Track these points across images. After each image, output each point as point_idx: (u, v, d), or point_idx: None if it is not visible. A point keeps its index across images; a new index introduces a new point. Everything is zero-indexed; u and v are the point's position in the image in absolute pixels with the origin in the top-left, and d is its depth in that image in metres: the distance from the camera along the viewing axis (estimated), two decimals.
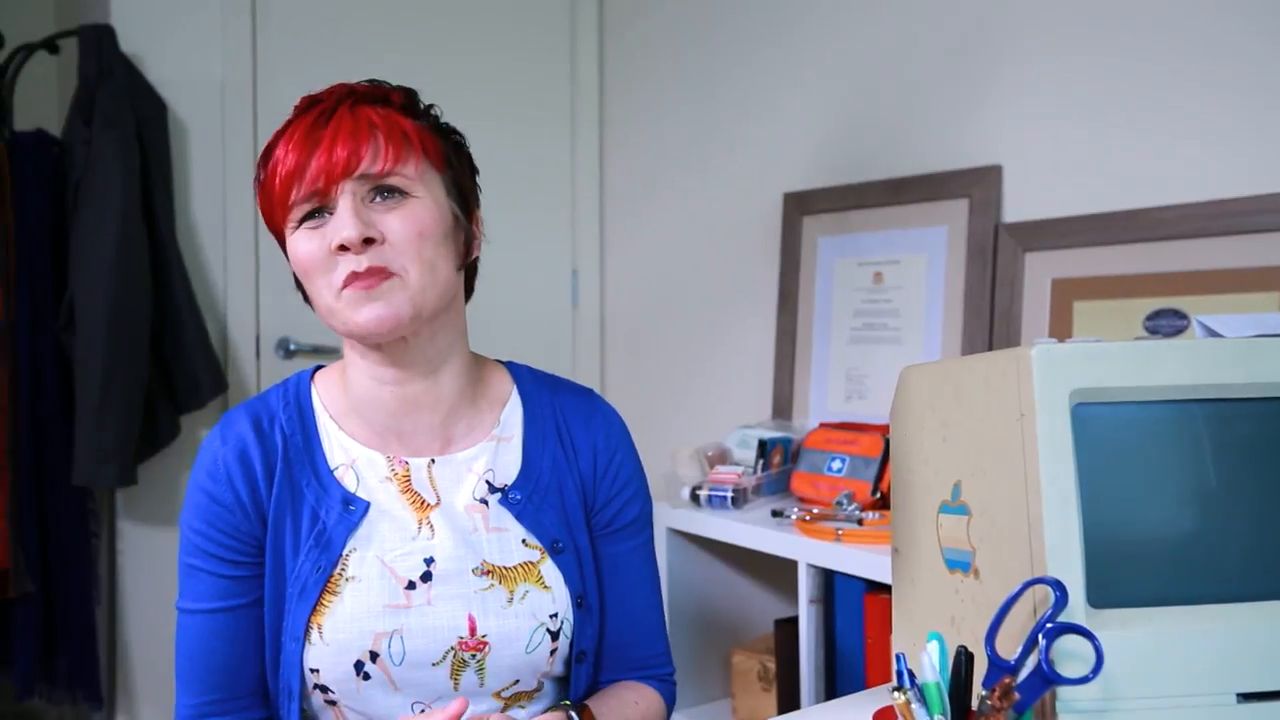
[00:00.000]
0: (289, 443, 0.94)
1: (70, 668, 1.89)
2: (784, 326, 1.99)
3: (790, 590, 1.60)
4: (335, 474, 0.94)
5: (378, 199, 0.88)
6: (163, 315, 1.93)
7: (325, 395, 0.98)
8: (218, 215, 2.10)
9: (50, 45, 1.96)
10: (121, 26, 1.94)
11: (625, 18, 2.45)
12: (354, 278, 0.87)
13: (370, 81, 0.94)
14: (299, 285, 0.95)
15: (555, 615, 0.95)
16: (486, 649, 0.92)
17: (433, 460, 0.96)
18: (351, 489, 0.94)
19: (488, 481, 0.97)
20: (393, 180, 0.88)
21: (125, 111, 1.89)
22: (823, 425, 1.76)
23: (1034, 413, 0.74)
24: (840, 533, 1.47)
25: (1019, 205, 1.66)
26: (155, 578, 1.98)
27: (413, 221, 0.88)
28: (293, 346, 2.15)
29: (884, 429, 1.66)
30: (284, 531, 0.92)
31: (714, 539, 1.67)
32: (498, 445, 0.98)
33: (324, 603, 0.90)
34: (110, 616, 2.02)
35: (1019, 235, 1.63)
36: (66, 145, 1.93)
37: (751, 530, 1.59)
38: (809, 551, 1.49)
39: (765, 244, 2.07)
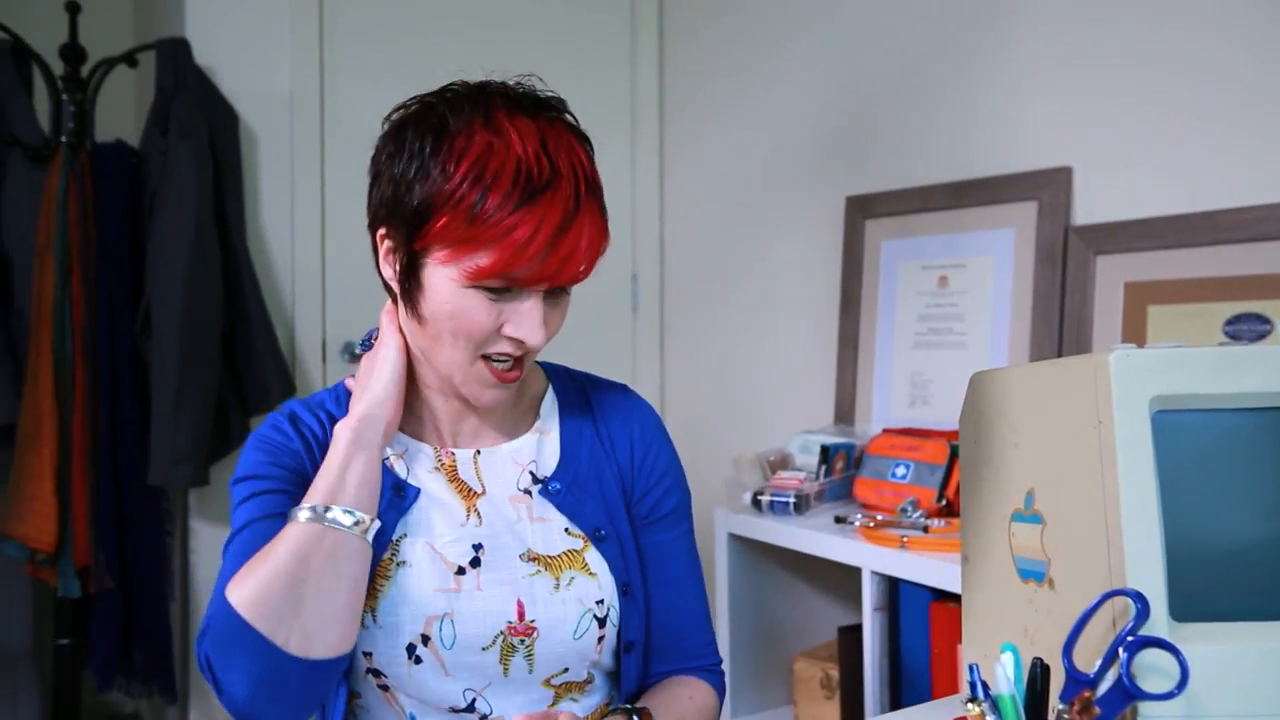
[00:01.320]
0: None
1: (146, 662, 1.94)
2: (846, 331, 1.97)
3: (853, 597, 1.59)
4: (387, 462, 0.96)
5: (562, 291, 0.91)
6: (234, 320, 1.97)
7: None
8: (286, 222, 2.14)
9: (130, 59, 2.02)
10: (196, 40, 2.00)
11: (686, 26, 2.45)
12: (503, 368, 0.90)
13: (551, 116, 0.89)
14: (402, 291, 0.91)
15: (601, 601, 0.95)
16: (535, 634, 0.93)
17: (478, 452, 0.99)
18: (402, 476, 0.96)
19: (531, 473, 0.99)
20: None
21: (199, 122, 1.95)
22: (886, 431, 1.74)
23: (1113, 420, 0.73)
24: (905, 540, 1.45)
25: (1090, 207, 1.63)
26: None
27: (563, 317, 0.93)
28: (358, 350, 2.19)
29: (949, 435, 1.64)
30: None
31: (776, 545, 1.66)
32: (540, 438, 1.01)
33: (376, 586, 0.92)
34: (183, 613, 2.07)
35: (1090, 238, 1.60)
36: (144, 155, 1.99)
37: (814, 536, 1.57)
38: (873, 558, 1.48)
39: (827, 248, 2.05)
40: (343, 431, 0.89)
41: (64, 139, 1.91)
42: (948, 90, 1.84)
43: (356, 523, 0.86)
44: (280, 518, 0.88)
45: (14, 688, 1.96)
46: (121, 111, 2.32)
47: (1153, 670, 0.67)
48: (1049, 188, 1.65)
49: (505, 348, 0.89)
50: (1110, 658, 0.67)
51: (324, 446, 0.94)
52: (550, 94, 0.92)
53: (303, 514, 0.85)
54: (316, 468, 0.93)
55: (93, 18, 2.06)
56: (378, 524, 0.88)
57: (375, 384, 0.92)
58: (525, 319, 0.87)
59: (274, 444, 0.94)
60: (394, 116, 0.92)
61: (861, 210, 1.96)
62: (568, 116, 0.92)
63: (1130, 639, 0.66)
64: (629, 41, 2.48)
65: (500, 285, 0.86)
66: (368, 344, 0.98)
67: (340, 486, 0.87)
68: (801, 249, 2.12)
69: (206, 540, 2.06)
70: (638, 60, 2.49)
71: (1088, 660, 0.69)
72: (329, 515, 0.85)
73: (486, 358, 0.90)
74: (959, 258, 1.80)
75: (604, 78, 2.45)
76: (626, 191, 2.47)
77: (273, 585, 0.82)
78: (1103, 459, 0.73)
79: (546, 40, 2.38)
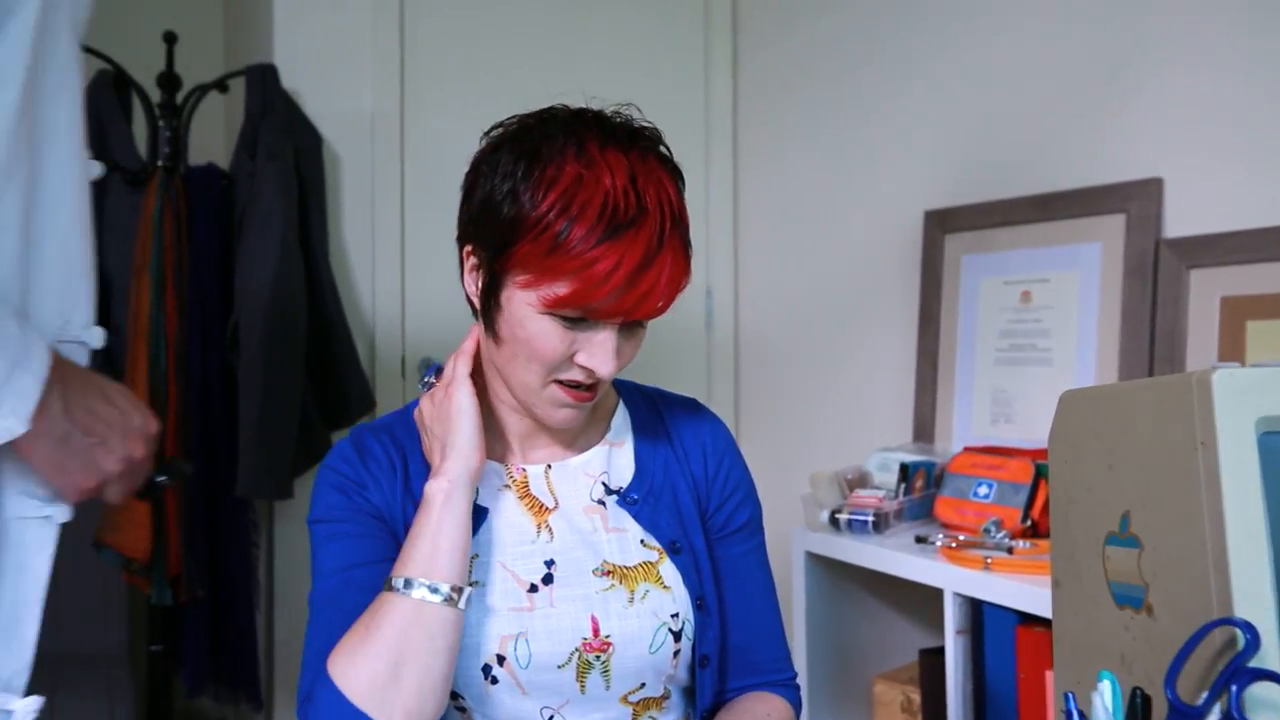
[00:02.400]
0: (409, 456, 0.98)
1: (233, 670, 2.00)
2: (925, 347, 1.94)
3: (935, 619, 1.55)
4: None
5: (638, 325, 0.92)
6: (317, 336, 2.02)
7: None
8: (367, 241, 2.19)
9: (221, 85, 2.09)
10: (283, 65, 2.06)
11: (760, 38, 2.45)
12: (575, 390, 0.91)
13: (644, 148, 0.90)
14: (482, 308, 0.93)
15: (676, 615, 0.95)
16: (610, 650, 0.93)
17: (549, 466, 0.99)
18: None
19: (604, 484, 0.99)
20: None
21: (285, 144, 2.01)
22: (968, 449, 1.71)
23: (1216, 442, 0.70)
24: (989, 561, 1.42)
25: (1182, 219, 1.57)
26: (307, 585, 2.08)
27: (637, 348, 0.93)
28: (420, 386, 2.22)
29: (1033, 453, 1.60)
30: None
31: (854, 564, 1.64)
32: (610, 450, 1.01)
33: None
34: (268, 623, 2.12)
35: (1182, 251, 1.55)
36: (233, 177, 2.06)
37: (894, 556, 1.55)
38: (956, 580, 1.44)
39: (905, 263, 2.02)
40: (435, 495, 0.90)
41: (160, 163, 1.99)
42: (1031, 101, 1.80)
43: (452, 592, 0.87)
44: (362, 568, 0.91)
45: (109, 690, 2.03)
46: (213, 135, 2.41)
47: (1264, 704, 0.64)
48: (1138, 200, 1.60)
49: (576, 375, 0.90)
50: (1218, 690, 0.64)
51: (389, 475, 0.96)
52: (646, 124, 0.93)
53: (401, 588, 0.86)
54: (385, 499, 0.95)
55: (187, 46, 2.14)
56: (470, 590, 0.89)
57: (460, 439, 0.91)
58: (598, 349, 0.88)
59: (344, 481, 0.96)
60: (493, 134, 0.93)
61: (940, 225, 1.93)
62: (661, 149, 0.92)
63: (1240, 671, 0.63)
64: (703, 54, 2.49)
65: (576, 315, 0.87)
66: (429, 381, 0.98)
67: (434, 555, 0.87)
68: (879, 264, 2.09)
69: (290, 552, 2.11)
70: (712, 72, 2.49)
71: (1191, 691, 0.66)
72: (427, 591, 0.86)
73: (559, 381, 0.91)
74: (1043, 272, 1.75)
75: (678, 91, 2.46)
76: (700, 206, 2.47)
77: (376, 666, 0.84)
78: (1205, 482, 0.71)
79: (620, 57, 2.39)
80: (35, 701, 0.88)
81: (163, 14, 2.30)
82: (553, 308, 0.86)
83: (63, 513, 0.88)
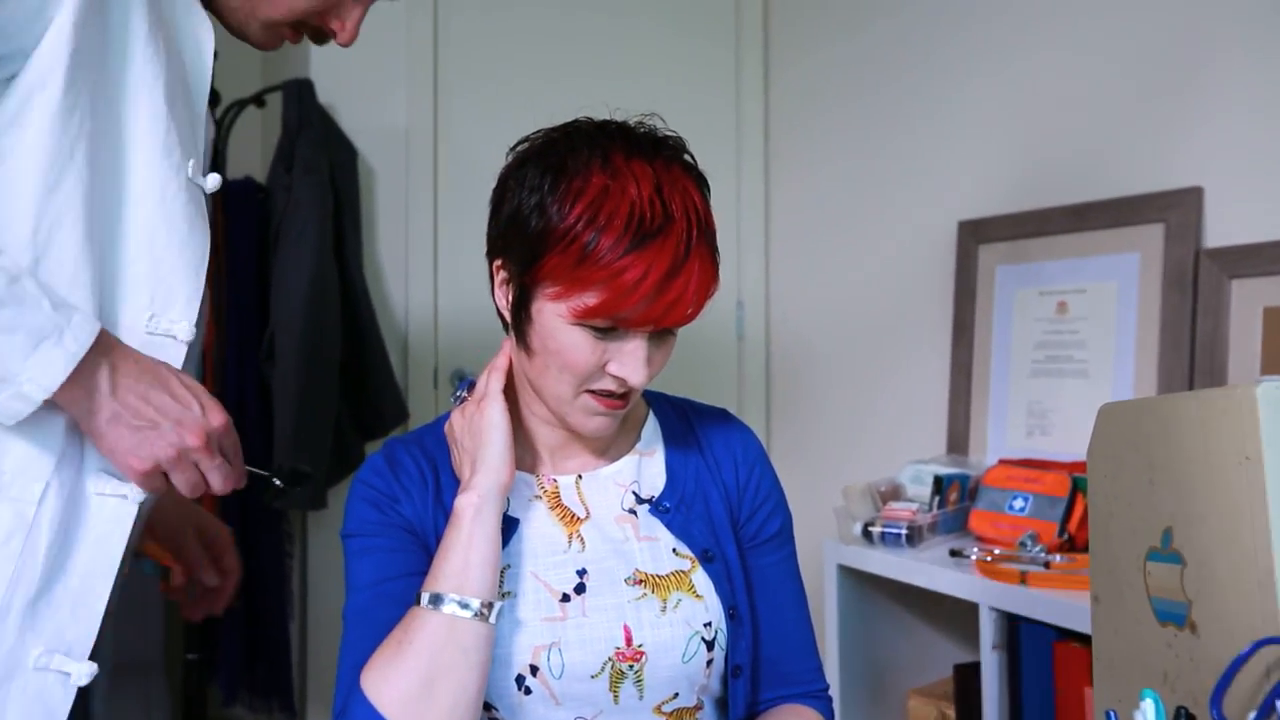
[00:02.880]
0: (440, 469, 0.98)
1: (267, 678, 2.01)
2: (959, 359, 1.92)
3: (970, 634, 1.53)
4: None
5: (667, 332, 0.91)
6: (351, 348, 2.04)
7: None
8: (401, 254, 2.21)
9: (258, 100, 2.13)
10: (319, 80, 2.09)
11: (791, 48, 2.45)
12: (607, 399, 0.91)
13: (668, 158, 0.90)
14: (513, 321, 0.94)
15: (709, 624, 0.95)
16: (644, 659, 0.92)
17: (579, 476, 1.00)
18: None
19: (634, 493, 0.99)
20: None
21: (321, 158, 2.03)
22: (1003, 462, 1.69)
23: (1261, 456, 0.69)
24: (1026, 575, 1.40)
25: (1222, 229, 1.55)
26: (339, 596, 2.10)
27: (667, 356, 0.93)
28: (453, 399, 2.23)
29: (1070, 466, 1.58)
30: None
31: (888, 578, 1.62)
32: (640, 459, 1.02)
33: None
34: (301, 632, 2.14)
35: (1223, 261, 1.52)
36: (270, 190, 2.08)
37: (928, 569, 1.53)
38: (991, 594, 1.43)
39: (938, 273, 2.01)
40: (465, 509, 0.90)
41: None
42: (1066, 110, 1.78)
43: (484, 607, 0.87)
44: (394, 581, 0.91)
45: (147, 697, 2.05)
46: (249, 149, 2.44)
47: None
48: (1177, 209, 1.58)
49: (608, 385, 0.90)
50: (1266, 710, 0.63)
51: (421, 487, 0.96)
52: (670, 134, 0.93)
53: (432, 603, 0.87)
54: (416, 512, 0.95)
55: (225, 62, 2.15)
56: (501, 603, 0.90)
57: (489, 453, 0.92)
58: (629, 358, 0.88)
59: (377, 495, 0.96)
60: (518, 149, 0.94)
61: (974, 235, 1.91)
62: (686, 157, 0.92)
63: None
64: (734, 65, 2.49)
65: (606, 324, 0.87)
66: (461, 395, 0.99)
67: (465, 570, 0.88)
68: (912, 274, 2.08)
69: (323, 562, 2.13)
70: (743, 83, 2.49)
71: (1238, 711, 0.65)
72: (458, 606, 0.86)
73: (591, 391, 0.91)
74: (1079, 283, 1.73)
75: (709, 102, 2.47)
76: (731, 216, 2.47)
77: (410, 681, 0.84)
78: (1251, 498, 0.69)
79: (651, 69, 2.40)
80: (90, 667, 0.91)
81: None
82: (583, 318, 0.86)
83: (135, 493, 0.92)
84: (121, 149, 0.92)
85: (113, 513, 0.92)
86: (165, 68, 0.94)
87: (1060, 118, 1.79)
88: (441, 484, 0.98)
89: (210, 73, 1.01)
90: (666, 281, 0.85)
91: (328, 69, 2.14)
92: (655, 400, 1.08)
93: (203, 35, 1.01)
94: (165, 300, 0.94)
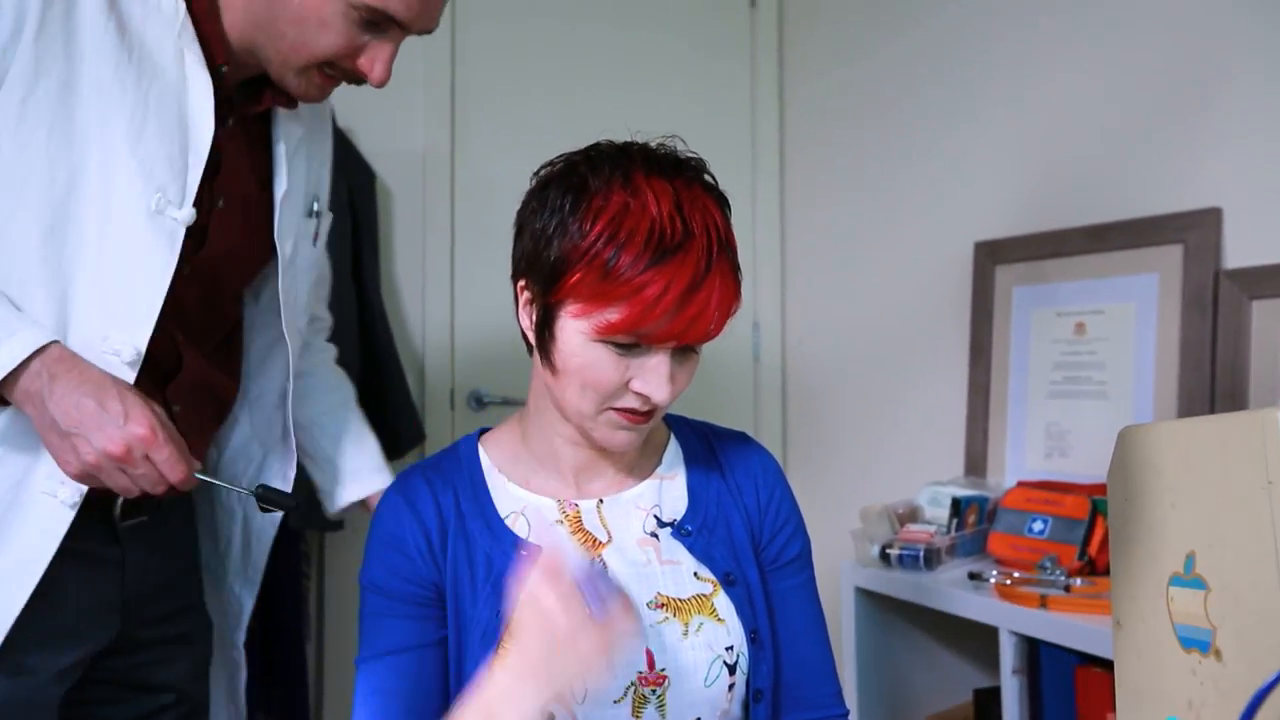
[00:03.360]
0: (459, 496, 0.98)
1: (284, 699, 2.01)
2: (976, 380, 1.91)
3: (989, 658, 1.52)
4: (506, 521, 0.97)
5: (690, 350, 0.92)
6: (368, 369, 2.05)
7: (493, 453, 1.02)
8: (418, 275, 2.23)
9: None
10: (339, 103, 2.10)
11: (806, 68, 2.45)
12: (631, 414, 0.91)
13: (691, 178, 0.91)
14: (537, 340, 0.94)
15: (731, 648, 0.95)
16: (666, 683, 0.92)
17: (600, 500, 1.00)
18: (523, 535, 0.97)
19: (655, 516, 0.99)
20: None
21: (339, 181, 2.04)
22: (1021, 484, 1.68)
23: None
24: (1046, 599, 1.39)
25: (1242, 250, 1.54)
26: (355, 616, 2.10)
27: (691, 374, 0.93)
28: (484, 398, 2.24)
29: (1090, 488, 1.56)
30: (462, 580, 0.96)
31: (905, 600, 1.61)
32: (661, 483, 1.02)
33: (503, 644, 0.92)
34: (318, 654, 2.14)
35: (1244, 282, 1.51)
36: None
37: (947, 592, 1.52)
38: (1011, 618, 1.41)
39: (955, 294, 2.00)
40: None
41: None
42: (1082, 130, 1.78)
43: None
44: (409, 652, 0.93)
45: None
46: None
47: None
48: (1196, 230, 1.57)
49: (632, 402, 0.91)
50: None
51: (438, 527, 0.96)
52: (690, 155, 0.94)
53: None
54: (436, 559, 0.95)
55: None
56: None
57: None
58: (652, 375, 0.89)
59: (393, 550, 0.97)
60: (540, 173, 0.95)
61: (991, 255, 1.91)
62: (706, 177, 0.93)
63: None
64: (749, 85, 2.50)
65: (629, 341, 0.87)
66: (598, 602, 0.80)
67: None
68: (928, 295, 2.08)
69: (339, 583, 2.13)
70: (758, 104, 2.50)
71: None
72: None
73: (614, 409, 0.91)
74: (1097, 304, 1.72)
75: (724, 124, 2.48)
76: (747, 237, 2.48)
77: None
78: (1275, 523, 0.69)
79: (667, 92, 2.41)
80: None
81: None
82: (605, 334, 0.87)
83: (68, 495, 0.99)
84: (91, 170, 0.98)
85: (47, 510, 0.99)
86: (134, 105, 0.99)
87: (1076, 138, 1.79)
88: (463, 511, 0.97)
89: (208, 118, 1.03)
90: (688, 296, 0.85)
91: (347, 93, 2.15)
92: (676, 423, 1.08)
93: (195, 88, 1.03)
94: (118, 325, 1.00)
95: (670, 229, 0.85)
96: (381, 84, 1.06)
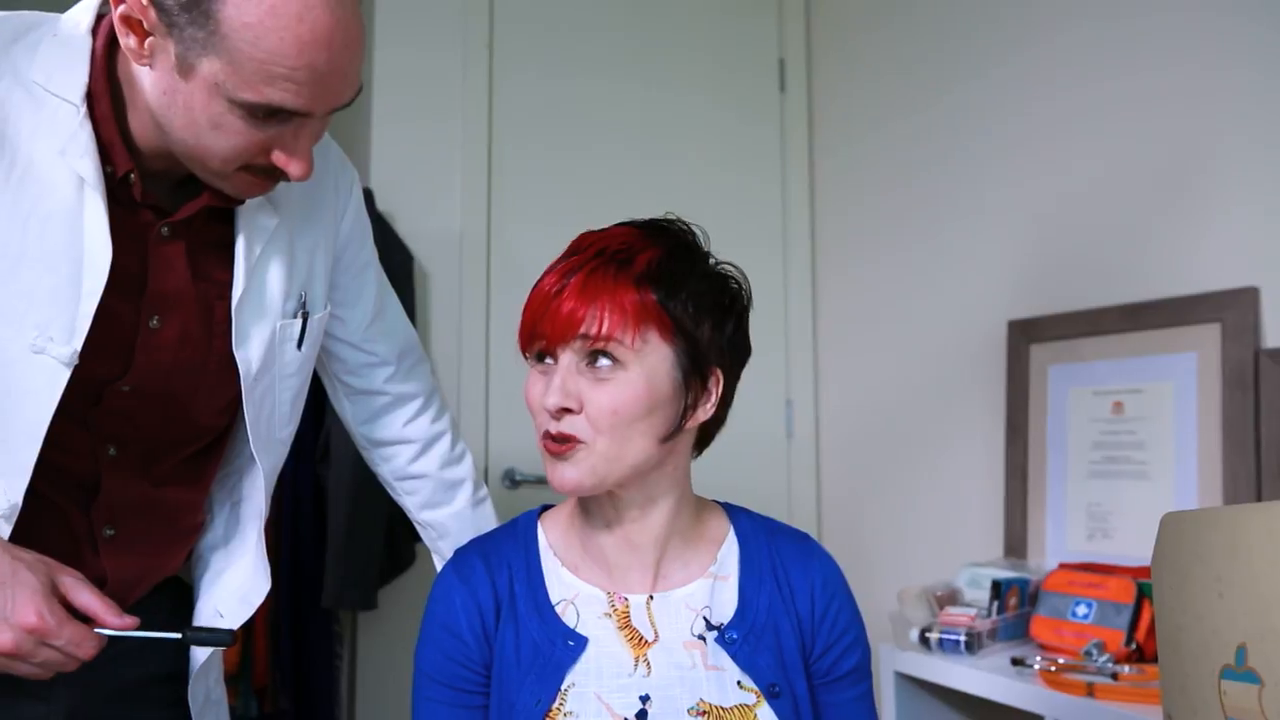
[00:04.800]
0: (514, 578, 0.98)
1: None
2: (1013, 459, 1.89)
3: None
4: (556, 609, 0.97)
5: (597, 362, 0.91)
6: None
7: (550, 533, 1.02)
8: (454, 355, 2.25)
9: None
10: (378, 189, 2.17)
11: (835, 146, 2.49)
12: (547, 438, 0.93)
13: (641, 227, 0.97)
14: None
15: None
16: None
17: (651, 596, 0.98)
18: (571, 625, 0.96)
19: (705, 619, 0.97)
20: (609, 348, 0.91)
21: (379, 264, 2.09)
22: (1063, 566, 1.65)
23: None
24: (1093, 687, 1.35)
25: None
26: (388, 697, 2.08)
27: (611, 398, 0.91)
28: (518, 477, 2.25)
29: (1135, 571, 1.53)
30: (507, 663, 0.95)
31: (947, 686, 1.57)
32: (714, 583, 0.99)
33: None
34: None
35: None
36: None
37: (989, 679, 1.48)
38: (1058, 707, 1.37)
39: (989, 373, 1.99)
40: None
41: None
42: (1115, 207, 1.79)
43: None
44: None
45: None
46: None
47: None
48: (1233, 309, 1.57)
49: (544, 423, 0.93)
50: None
51: (492, 607, 0.96)
52: (684, 226, 0.99)
53: None
54: (490, 639, 0.96)
55: None
56: None
57: None
58: (551, 381, 0.92)
59: (450, 624, 0.97)
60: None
61: (1025, 335, 1.91)
62: (680, 229, 0.99)
63: None
64: (779, 161, 2.54)
65: (535, 350, 0.95)
66: None
67: None
68: (962, 373, 2.07)
69: (372, 663, 2.12)
70: (788, 180, 2.53)
71: None
72: None
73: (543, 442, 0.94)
74: (1135, 383, 1.71)
75: (755, 199, 2.51)
76: (779, 312, 2.49)
77: None
78: None
79: (698, 170, 2.45)
80: None
81: None
82: (527, 347, 0.97)
83: None
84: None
85: None
86: (7, 233, 0.90)
87: (1109, 215, 1.79)
88: (516, 593, 0.97)
89: (102, 239, 0.92)
90: (557, 282, 0.93)
91: (386, 179, 2.22)
92: (738, 519, 1.05)
93: (91, 206, 0.92)
94: None
95: (575, 247, 0.96)
96: (302, 178, 0.93)
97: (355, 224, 1.19)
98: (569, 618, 0.96)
